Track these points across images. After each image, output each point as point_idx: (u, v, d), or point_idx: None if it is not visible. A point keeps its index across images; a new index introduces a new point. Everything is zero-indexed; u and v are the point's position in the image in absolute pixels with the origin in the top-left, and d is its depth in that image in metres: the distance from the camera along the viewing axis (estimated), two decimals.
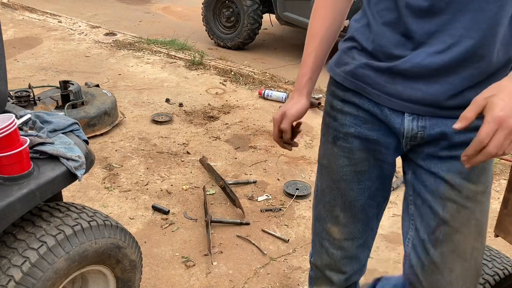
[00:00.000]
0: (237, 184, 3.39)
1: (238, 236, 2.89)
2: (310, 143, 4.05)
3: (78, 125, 1.97)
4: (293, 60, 6.24)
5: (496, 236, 2.03)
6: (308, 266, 2.70)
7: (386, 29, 1.20)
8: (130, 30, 7.03)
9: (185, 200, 3.21)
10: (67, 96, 3.91)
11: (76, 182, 1.80)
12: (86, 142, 1.94)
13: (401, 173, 3.76)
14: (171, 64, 5.73)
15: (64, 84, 3.95)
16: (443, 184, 1.25)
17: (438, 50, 1.13)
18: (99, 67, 5.56)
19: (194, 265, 2.66)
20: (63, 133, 1.88)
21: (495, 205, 3.31)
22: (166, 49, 6.18)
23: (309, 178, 3.54)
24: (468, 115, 0.94)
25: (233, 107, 4.65)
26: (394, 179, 3.60)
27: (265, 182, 3.45)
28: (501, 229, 1.99)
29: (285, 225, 3.02)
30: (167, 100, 4.69)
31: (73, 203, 1.91)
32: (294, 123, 1.46)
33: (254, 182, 3.43)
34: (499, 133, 0.89)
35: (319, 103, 4.68)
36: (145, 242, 2.79)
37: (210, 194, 3.27)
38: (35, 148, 1.72)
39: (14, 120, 1.55)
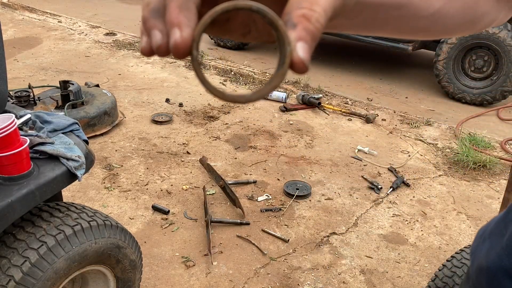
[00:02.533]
0: (237, 184, 3.40)
1: (238, 236, 2.89)
2: (310, 143, 4.06)
3: (78, 125, 1.97)
4: None
5: None
6: (308, 265, 2.71)
7: None
8: (130, 30, 7.03)
9: (185, 200, 3.21)
10: (67, 96, 3.91)
11: (76, 182, 1.80)
12: (86, 142, 1.94)
13: (401, 173, 3.76)
14: (171, 64, 5.73)
15: (64, 84, 3.95)
16: None
17: None
18: (99, 67, 5.56)
19: (194, 265, 2.66)
20: (63, 133, 1.88)
21: (495, 205, 3.31)
22: None
23: (309, 178, 3.54)
24: None
25: (233, 107, 4.65)
26: (393, 179, 3.63)
27: (265, 182, 3.45)
28: None
29: (285, 225, 3.02)
30: (167, 100, 4.69)
31: (73, 203, 1.91)
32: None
33: (254, 182, 3.43)
34: None
35: (319, 103, 4.68)
36: (145, 242, 2.80)
37: (210, 194, 3.27)
38: (35, 148, 1.72)
39: (14, 120, 1.55)
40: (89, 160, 1.85)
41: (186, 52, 0.39)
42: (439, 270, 2.06)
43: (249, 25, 0.49)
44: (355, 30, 0.57)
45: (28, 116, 1.87)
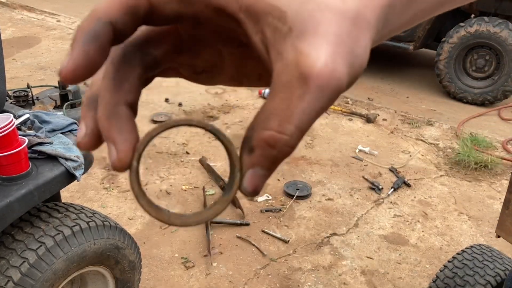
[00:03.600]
0: None
1: (238, 237, 2.87)
2: (310, 143, 4.04)
3: (77, 125, 1.95)
4: None
5: (498, 236, 2.02)
6: (309, 266, 2.69)
7: None
8: None
9: (185, 200, 3.20)
10: (66, 96, 3.89)
11: (75, 182, 1.79)
12: None
13: (402, 174, 3.74)
14: None
15: (63, 83, 3.93)
16: None
17: None
18: None
19: (193, 266, 2.64)
20: (61, 133, 1.87)
21: (496, 205, 3.30)
22: None
23: (310, 178, 3.52)
24: None
25: (233, 106, 4.64)
26: (394, 179, 3.61)
27: None
28: (503, 229, 1.98)
29: (285, 225, 3.00)
30: (167, 100, 4.67)
31: (71, 204, 1.90)
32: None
33: None
34: None
35: None
36: (144, 242, 2.78)
37: (209, 194, 3.25)
38: (33, 148, 1.71)
39: (12, 120, 1.54)
40: (88, 160, 1.83)
41: (125, 168, 0.35)
42: (441, 271, 2.05)
43: (241, 78, 0.42)
44: (405, 28, 0.44)
45: (27, 116, 1.85)
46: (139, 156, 0.35)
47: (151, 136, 0.34)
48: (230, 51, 0.39)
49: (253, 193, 0.33)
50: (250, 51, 0.37)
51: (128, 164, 0.35)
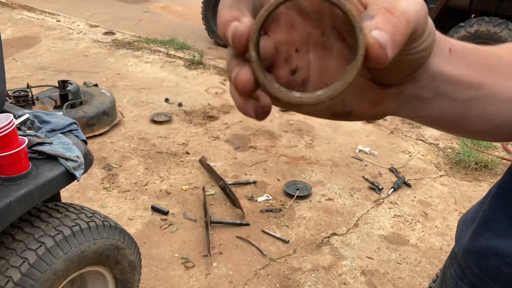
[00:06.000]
0: (237, 184, 3.38)
1: (238, 237, 2.87)
2: (310, 143, 4.04)
3: (77, 125, 1.95)
4: None
5: None
6: (309, 266, 2.69)
7: None
8: (129, 29, 7.00)
9: (185, 200, 3.19)
10: (66, 96, 3.89)
11: (75, 182, 1.78)
12: (85, 142, 1.92)
13: (402, 174, 3.73)
14: (170, 64, 5.70)
15: (63, 83, 3.93)
16: None
17: None
18: (98, 66, 5.54)
19: (193, 266, 2.64)
20: (61, 133, 1.86)
21: None
22: (165, 48, 6.16)
23: (310, 178, 3.52)
24: None
25: (233, 106, 4.63)
26: (394, 179, 3.60)
27: (265, 183, 3.43)
28: None
29: (285, 225, 3.00)
30: (166, 100, 4.67)
31: (71, 204, 1.89)
32: None
33: (254, 182, 3.41)
34: None
35: None
36: (144, 243, 2.78)
37: (209, 194, 3.25)
38: (33, 148, 1.70)
39: (12, 120, 1.53)
40: (88, 160, 1.83)
41: (246, 42, 0.36)
42: (440, 271, 2.04)
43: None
44: (431, 120, 0.52)
45: (27, 116, 1.85)
46: (258, 32, 0.36)
47: (274, 5, 0.35)
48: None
49: (384, 43, 0.34)
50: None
51: (251, 34, 0.36)
